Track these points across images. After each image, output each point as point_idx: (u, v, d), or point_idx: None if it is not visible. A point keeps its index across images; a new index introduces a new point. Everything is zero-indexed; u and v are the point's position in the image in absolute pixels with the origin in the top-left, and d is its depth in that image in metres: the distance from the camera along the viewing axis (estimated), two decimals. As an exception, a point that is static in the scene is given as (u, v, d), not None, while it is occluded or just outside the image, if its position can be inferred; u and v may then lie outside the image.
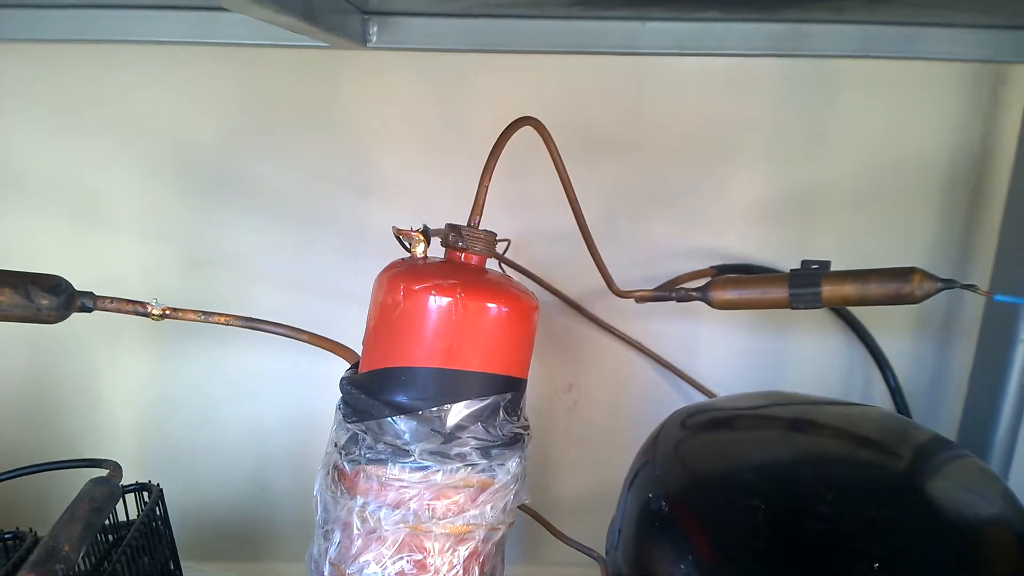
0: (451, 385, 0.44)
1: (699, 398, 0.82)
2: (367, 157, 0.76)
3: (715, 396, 0.82)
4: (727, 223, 0.79)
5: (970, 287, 0.53)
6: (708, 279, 0.63)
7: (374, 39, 0.63)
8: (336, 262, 0.79)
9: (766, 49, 0.64)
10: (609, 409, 0.86)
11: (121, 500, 0.58)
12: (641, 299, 0.67)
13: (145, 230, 0.77)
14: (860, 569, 0.36)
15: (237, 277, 0.79)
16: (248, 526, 0.85)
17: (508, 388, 0.46)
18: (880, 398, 0.81)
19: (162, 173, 0.76)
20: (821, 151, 0.76)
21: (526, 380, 0.49)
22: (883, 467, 0.46)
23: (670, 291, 0.64)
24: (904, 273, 0.54)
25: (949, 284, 0.53)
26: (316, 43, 0.66)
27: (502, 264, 0.75)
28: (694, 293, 0.63)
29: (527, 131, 0.75)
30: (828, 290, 0.57)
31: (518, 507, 0.61)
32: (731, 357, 0.84)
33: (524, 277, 0.77)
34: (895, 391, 0.77)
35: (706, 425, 0.54)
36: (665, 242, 0.80)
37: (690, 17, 0.63)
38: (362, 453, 0.44)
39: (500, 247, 0.72)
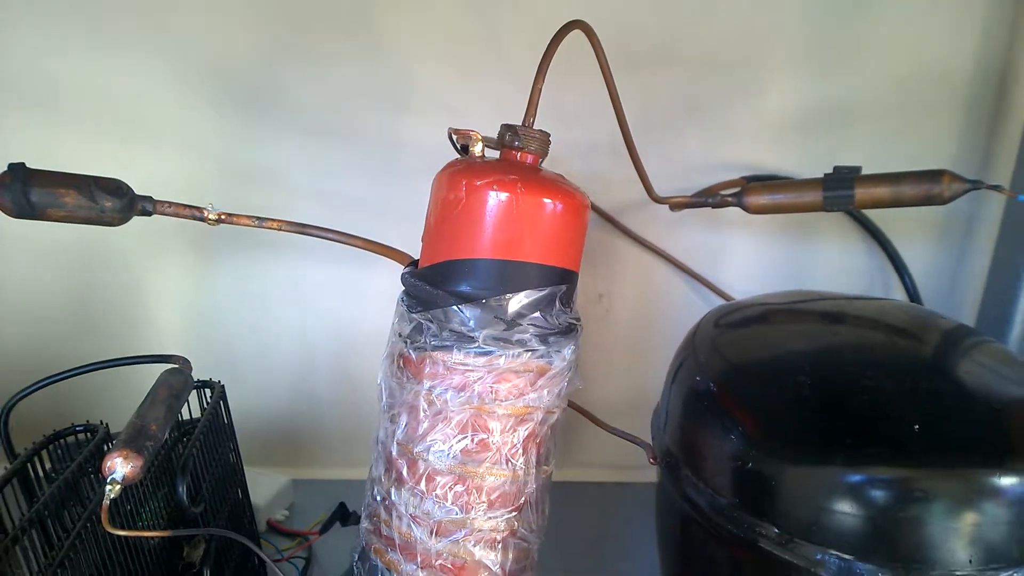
0: (511, 275, 0.47)
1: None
2: (403, 70, 0.77)
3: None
4: (758, 135, 0.81)
5: (996, 187, 0.55)
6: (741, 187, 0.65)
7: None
8: (374, 175, 0.80)
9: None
10: (638, 317, 0.89)
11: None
12: (678, 205, 0.69)
13: (184, 143, 0.78)
14: (903, 433, 0.40)
15: (276, 191, 0.80)
16: (295, 433, 0.89)
17: (563, 280, 0.49)
18: (899, 306, 0.84)
19: (198, 86, 0.77)
20: (849, 62, 0.77)
21: (578, 273, 0.52)
22: (916, 349, 0.49)
23: (706, 197, 0.67)
24: (934, 175, 0.56)
25: (977, 184, 0.55)
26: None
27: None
28: (730, 199, 0.65)
29: (565, 43, 0.77)
30: (861, 192, 0.59)
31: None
32: (755, 266, 0.86)
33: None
34: (912, 295, 0.80)
35: (742, 321, 0.57)
36: (697, 155, 0.81)
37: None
38: (427, 340, 0.47)
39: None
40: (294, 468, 0.88)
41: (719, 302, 0.86)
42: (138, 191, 0.55)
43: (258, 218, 0.58)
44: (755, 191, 0.63)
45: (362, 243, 0.59)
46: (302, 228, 0.59)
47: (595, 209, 0.81)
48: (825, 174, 0.61)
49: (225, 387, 0.66)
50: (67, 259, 0.81)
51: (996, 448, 0.40)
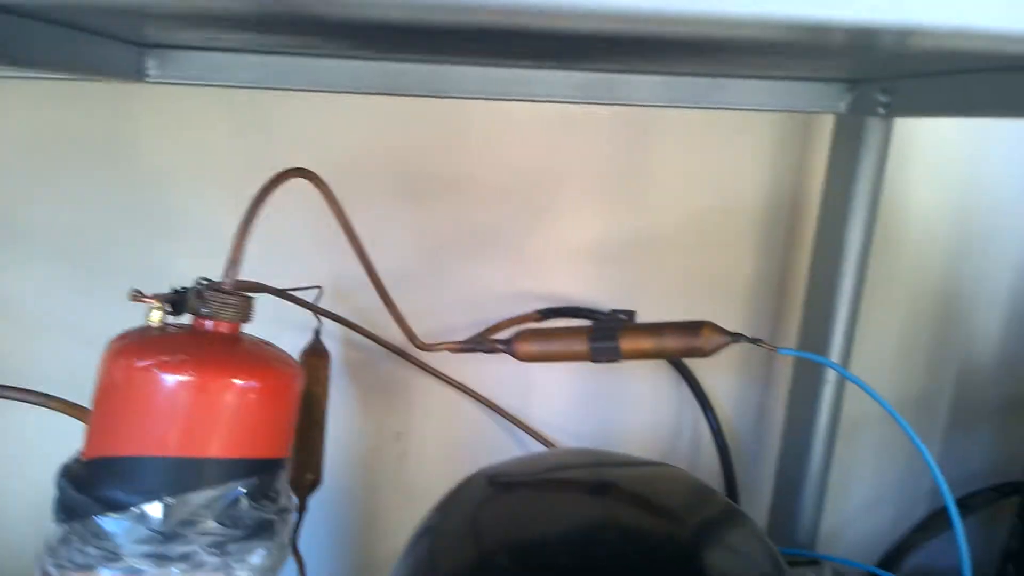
0: (178, 475, 0.39)
1: (533, 444, 0.80)
2: (162, 196, 0.70)
3: (548, 441, 0.80)
4: (556, 266, 0.78)
5: (756, 341, 0.53)
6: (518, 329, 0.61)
7: (152, 73, 0.57)
8: (127, 310, 0.71)
9: (576, 97, 0.63)
10: (441, 458, 0.82)
11: None
12: (452, 351, 0.64)
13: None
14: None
15: (16, 326, 0.70)
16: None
17: (257, 471, 0.41)
18: (709, 438, 0.81)
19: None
20: (646, 196, 0.76)
21: (285, 459, 0.44)
22: (644, 537, 0.44)
23: (476, 343, 0.62)
24: (695, 327, 0.53)
25: (737, 338, 0.53)
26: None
27: (317, 315, 0.70)
28: (499, 346, 0.60)
29: (351, 167, 0.72)
30: (626, 344, 0.55)
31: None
32: (565, 400, 0.82)
33: (343, 326, 0.73)
34: (716, 431, 0.77)
35: (481, 498, 0.51)
36: (493, 285, 0.77)
37: (497, 64, 0.60)
38: (70, 557, 0.38)
39: (310, 295, 0.69)
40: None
41: (527, 438, 0.81)
42: None
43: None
44: (524, 339, 0.59)
45: (60, 406, 0.50)
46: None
47: (384, 344, 0.75)
48: (592, 324, 0.57)
49: None
50: None
51: None
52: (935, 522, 0.84)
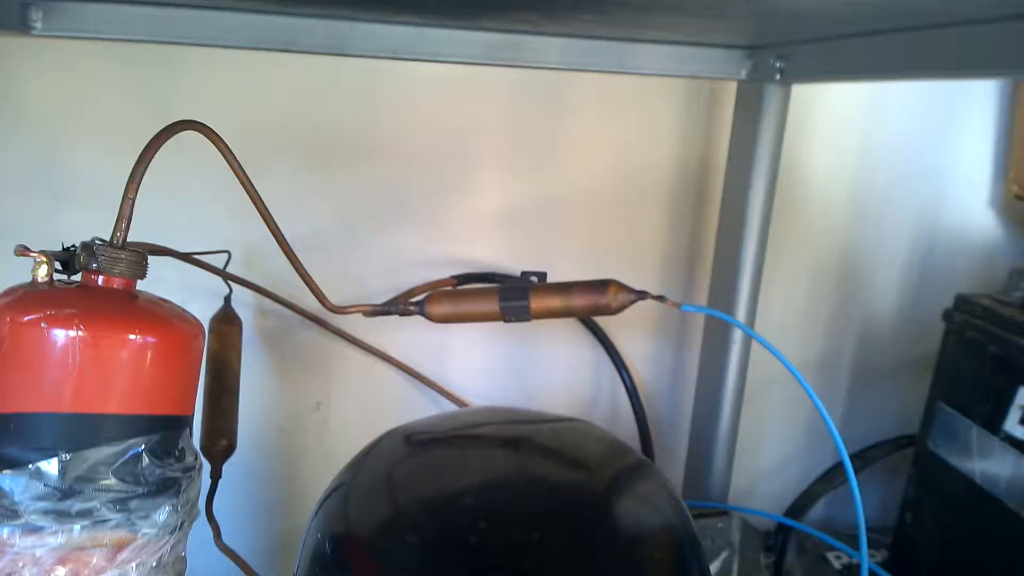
0: (74, 431, 0.38)
1: (452, 408, 0.81)
2: (51, 157, 0.67)
3: (467, 405, 0.81)
4: (472, 231, 0.78)
5: (660, 298, 0.54)
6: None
7: (38, 25, 0.54)
8: (16, 270, 0.69)
9: (483, 58, 0.63)
10: (363, 425, 0.82)
11: None
12: (366, 314, 0.64)
13: None
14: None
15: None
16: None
17: (157, 428, 0.41)
18: (627, 399, 0.83)
19: None
20: (558, 162, 0.77)
21: (188, 416, 0.44)
22: (551, 489, 0.46)
23: (391, 306, 0.62)
24: (601, 285, 0.55)
25: (642, 296, 0.54)
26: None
27: (226, 280, 0.69)
28: (412, 308, 0.60)
29: (258, 131, 0.70)
30: (536, 304, 0.56)
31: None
32: (483, 364, 0.83)
33: (258, 293, 0.72)
34: (631, 392, 0.79)
35: (403, 451, 0.52)
36: (409, 251, 0.77)
37: (400, 21, 0.60)
38: (-38, 517, 0.37)
39: (218, 260, 0.67)
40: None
41: (448, 404, 0.81)
42: None
43: None
44: (436, 300, 0.59)
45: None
46: None
47: (300, 312, 0.74)
48: (502, 284, 0.58)
49: None
50: None
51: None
52: (837, 473, 0.89)
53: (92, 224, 0.67)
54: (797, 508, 0.90)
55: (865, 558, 0.51)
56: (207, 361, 0.63)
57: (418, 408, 0.83)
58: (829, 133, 0.83)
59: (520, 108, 0.75)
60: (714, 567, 0.73)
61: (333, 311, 0.60)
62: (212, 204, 0.71)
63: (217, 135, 0.46)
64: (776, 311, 0.86)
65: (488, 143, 0.76)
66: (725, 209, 0.73)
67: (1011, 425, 0.65)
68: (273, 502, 0.81)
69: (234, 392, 0.63)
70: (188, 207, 0.71)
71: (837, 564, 0.82)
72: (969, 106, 0.85)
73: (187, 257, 0.62)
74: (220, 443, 0.60)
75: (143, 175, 0.43)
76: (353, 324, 0.77)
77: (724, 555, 0.74)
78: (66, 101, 0.66)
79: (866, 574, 0.51)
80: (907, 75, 0.67)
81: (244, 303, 0.73)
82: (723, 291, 0.74)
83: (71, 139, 0.67)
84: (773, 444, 0.94)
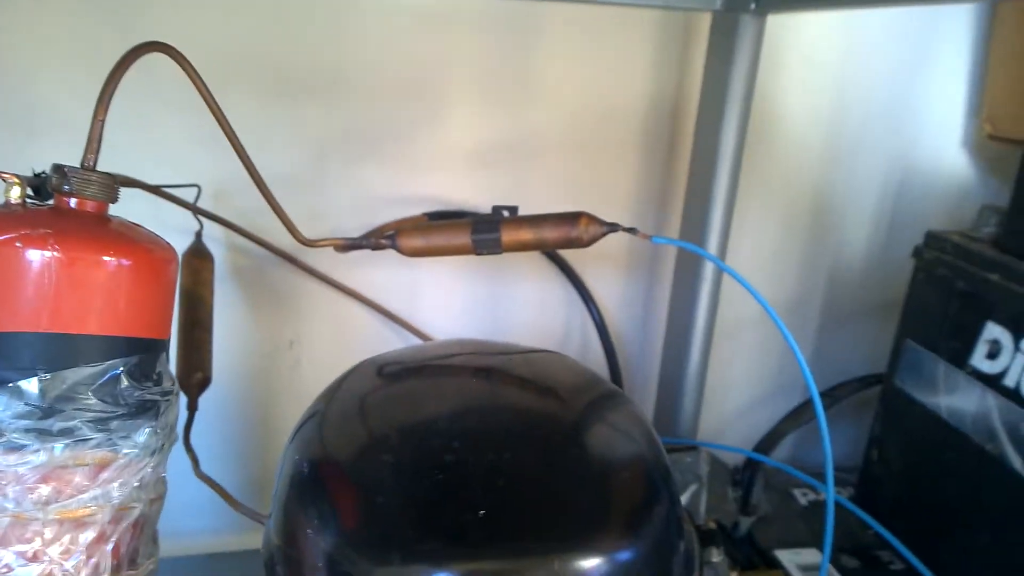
0: (53, 351, 0.38)
1: (425, 347, 0.82)
2: (16, 91, 0.65)
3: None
4: (442, 168, 0.78)
5: (631, 230, 0.55)
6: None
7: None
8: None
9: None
10: (334, 363, 0.82)
11: None
12: (338, 248, 0.64)
13: None
14: (465, 520, 0.36)
15: None
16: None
17: (135, 350, 0.41)
18: (597, 337, 0.85)
19: None
20: (524, 98, 0.77)
21: (165, 340, 0.44)
22: (522, 416, 0.47)
23: (363, 239, 0.62)
24: (573, 217, 0.55)
25: (613, 228, 0.55)
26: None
27: (196, 215, 0.68)
28: (384, 241, 0.61)
29: (226, 64, 0.69)
30: (507, 236, 0.57)
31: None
32: (454, 303, 0.84)
33: (229, 229, 0.71)
34: (601, 329, 0.81)
35: (375, 381, 0.52)
36: (379, 188, 0.77)
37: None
38: (-59, 436, 0.37)
39: (185, 193, 0.67)
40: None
41: (418, 342, 0.82)
42: None
43: None
44: (407, 234, 0.59)
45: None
46: None
47: (271, 249, 0.74)
48: (474, 217, 0.59)
49: None
50: None
51: (560, 533, 0.37)
52: (805, 411, 0.91)
53: (62, 157, 0.66)
54: (765, 445, 0.92)
55: (831, 488, 0.50)
56: (180, 296, 0.63)
57: (390, 346, 0.82)
58: (802, 73, 0.83)
59: (491, 41, 0.74)
60: (683, 500, 0.75)
61: (305, 244, 0.60)
62: (181, 137, 0.70)
63: (185, 58, 0.45)
64: (746, 251, 0.87)
65: (458, 78, 0.75)
66: (697, 143, 0.74)
67: (978, 359, 0.66)
68: (250, 435, 0.82)
69: (206, 327, 0.63)
70: (156, 141, 0.70)
71: (803, 500, 0.84)
72: (943, 45, 0.85)
73: (156, 190, 0.61)
74: (196, 375, 0.61)
75: (111, 97, 0.43)
76: (325, 262, 0.77)
77: (693, 488, 0.77)
78: (31, 30, 0.64)
79: (831, 505, 0.50)
80: (883, 1, 0.67)
81: (215, 239, 0.73)
82: (694, 225, 0.75)
83: (36, 70, 0.65)
84: (742, 387, 0.96)
